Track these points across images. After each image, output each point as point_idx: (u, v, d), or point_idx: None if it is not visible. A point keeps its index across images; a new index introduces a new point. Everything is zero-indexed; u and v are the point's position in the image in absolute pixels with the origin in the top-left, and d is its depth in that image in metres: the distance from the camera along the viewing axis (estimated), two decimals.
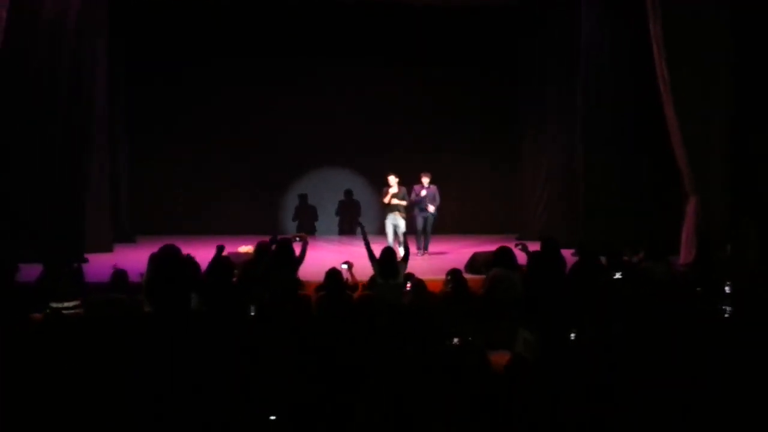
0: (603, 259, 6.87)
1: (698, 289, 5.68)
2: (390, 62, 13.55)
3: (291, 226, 13.32)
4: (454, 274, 6.33)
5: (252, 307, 5.11)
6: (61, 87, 10.05)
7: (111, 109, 11.53)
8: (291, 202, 13.63)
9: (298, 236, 7.35)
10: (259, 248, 6.82)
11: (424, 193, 10.92)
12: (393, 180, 10.69)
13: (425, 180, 11.03)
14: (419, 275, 6.88)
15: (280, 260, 6.59)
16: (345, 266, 6.69)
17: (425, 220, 10.98)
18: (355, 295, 6.28)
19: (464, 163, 14.01)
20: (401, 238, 10.21)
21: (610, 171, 11.21)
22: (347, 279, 6.52)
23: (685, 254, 9.56)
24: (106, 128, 11.27)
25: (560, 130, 12.45)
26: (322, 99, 13.56)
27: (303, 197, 13.67)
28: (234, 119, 13.46)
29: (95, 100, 10.73)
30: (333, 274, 6.05)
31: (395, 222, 10.57)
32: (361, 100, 13.69)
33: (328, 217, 13.56)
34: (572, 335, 3.88)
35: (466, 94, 13.90)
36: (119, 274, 5.97)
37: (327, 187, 13.70)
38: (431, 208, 10.86)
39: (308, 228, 13.02)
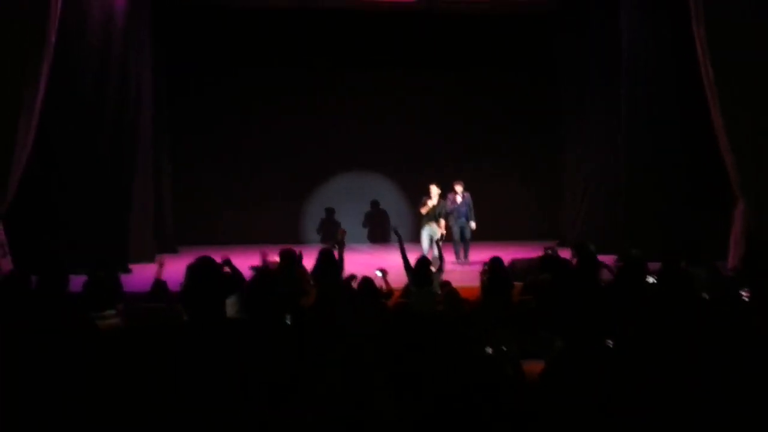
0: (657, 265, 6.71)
1: (744, 294, 5.48)
2: (425, 69, 13.54)
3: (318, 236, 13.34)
4: (492, 262, 6.31)
5: (288, 316, 5.11)
6: (109, 98, 10.33)
7: (154, 119, 11.73)
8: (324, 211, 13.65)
9: (336, 241, 7.33)
10: (285, 255, 6.79)
11: (459, 200, 10.92)
12: (435, 191, 10.58)
13: (459, 188, 11.01)
14: (458, 284, 6.82)
15: (324, 267, 6.56)
16: (380, 273, 6.67)
17: (462, 229, 10.96)
18: (390, 303, 6.25)
19: (502, 169, 13.88)
20: (436, 248, 9.80)
21: (654, 176, 10.95)
22: (381, 287, 6.48)
23: (733, 259, 9.29)
24: (150, 139, 11.49)
25: (602, 135, 12.23)
26: (358, 107, 13.61)
27: (332, 208, 13.67)
28: (273, 128, 13.58)
29: (141, 111, 10.98)
30: (367, 282, 6.02)
31: (432, 232, 10.43)
32: (396, 107, 13.67)
33: (358, 226, 13.51)
34: (609, 343, 3.78)
35: (505, 100, 13.78)
36: (159, 284, 6.05)
37: (363, 196, 13.67)
38: (473, 224, 10.96)
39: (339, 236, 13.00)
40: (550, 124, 13.69)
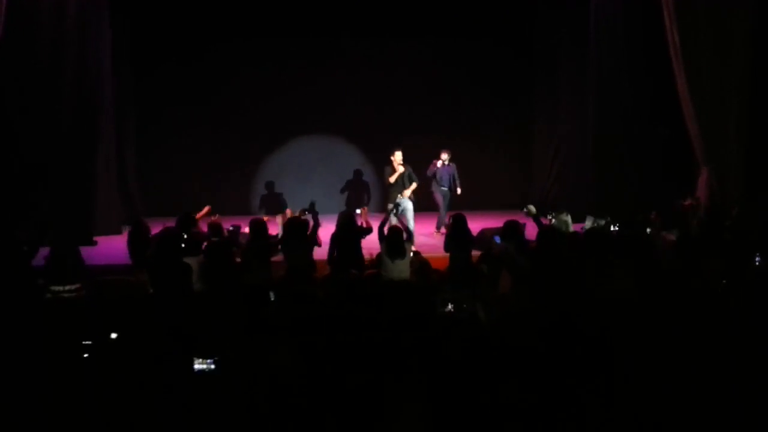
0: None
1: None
2: (398, 37, 13.34)
3: (298, 206, 13.18)
4: (453, 218, 6.43)
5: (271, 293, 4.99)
6: (67, 72, 10.13)
7: (118, 92, 11.54)
8: (298, 183, 13.50)
9: (306, 210, 7.31)
10: (256, 227, 6.73)
11: (439, 164, 10.85)
12: (399, 156, 9.83)
13: (444, 156, 10.87)
14: (432, 253, 6.86)
15: (293, 240, 6.53)
16: (357, 211, 6.85)
17: (443, 197, 10.86)
18: (364, 273, 6.26)
19: (474, 137, 13.84)
20: (409, 221, 9.64)
21: (622, 142, 11.13)
22: (361, 224, 6.82)
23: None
24: (113, 111, 11.28)
25: (572, 103, 12.29)
26: (327, 77, 13.40)
27: (308, 177, 13.55)
28: (240, 100, 13.36)
29: (101, 84, 10.76)
30: (348, 215, 6.15)
31: (403, 205, 9.84)
32: (369, 77, 13.50)
33: (335, 196, 13.41)
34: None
35: (476, 70, 13.67)
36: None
37: (335, 167, 13.56)
38: (458, 191, 10.92)
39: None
40: (521, 94, 13.67)
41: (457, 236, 6.69)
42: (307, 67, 13.38)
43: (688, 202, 8.99)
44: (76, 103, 10.25)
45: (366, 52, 13.49)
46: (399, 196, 9.80)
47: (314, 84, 13.39)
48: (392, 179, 9.78)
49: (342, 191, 12.73)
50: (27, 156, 9.74)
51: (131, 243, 6.85)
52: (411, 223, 9.51)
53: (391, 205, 8.82)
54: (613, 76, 11.22)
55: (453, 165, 11.00)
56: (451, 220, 6.88)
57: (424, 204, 11.58)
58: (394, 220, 9.87)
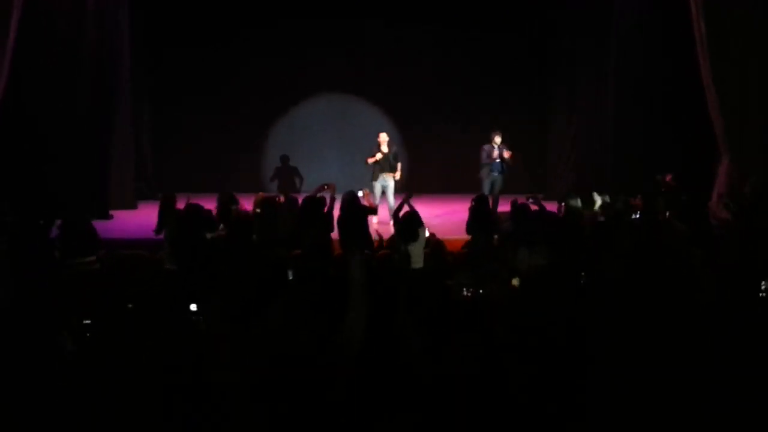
0: None
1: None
2: (415, 23, 13.22)
3: (312, 185, 13.17)
4: (476, 199, 6.55)
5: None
6: (84, 51, 10.17)
7: (135, 70, 11.57)
8: (310, 162, 13.47)
9: (325, 185, 7.27)
10: (267, 203, 6.69)
11: (496, 153, 10.04)
12: (384, 137, 10.10)
13: (497, 139, 10.10)
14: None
15: (310, 218, 6.47)
16: (360, 193, 6.82)
17: (493, 183, 10.12)
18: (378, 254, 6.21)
19: (491, 126, 13.72)
20: (390, 200, 9.90)
21: (641, 131, 11.01)
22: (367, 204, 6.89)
23: (713, 216, 9.35)
24: (129, 89, 11.32)
25: (590, 91, 12.18)
26: (346, 63, 13.34)
27: (322, 157, 13.52)
28: (256, 81, 13.30)
29: (118, 61, 10.82)
30: (351, 195, 6.12)
31: (384, 183, 9.98)
32: (385, 64, 13.40)
33: (348, 176, 13.35)
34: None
35: (493, 59, 13.51)
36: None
37: (348, 150, 13.49)
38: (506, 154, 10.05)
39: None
40: (538, 82, 13.51)
41: (479, 218, 6.61)
42: (323, 54, 13.28)
43: (668, 177, 8.89)
44: (93, 80, 10.29)
45: (382, 40, 13.37)
46: (384, 175, 9.97)
47: (330, 70, 13.33)
48: (370, 160, 10.02)
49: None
50: (44, 131, 9.79)
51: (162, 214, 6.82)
52: (391, 200, 9.84)
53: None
54: (632, 65, 11.09)
55: (504, 147, 10.12)
56: (473, 202, 6.79)
57: (437, 186, 11.53)
58: (378, 198, 9.93)
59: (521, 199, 6.90)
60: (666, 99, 10.90)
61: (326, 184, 7.25)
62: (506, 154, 10.07)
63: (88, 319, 3.70)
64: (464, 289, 4.33)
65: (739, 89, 9.39)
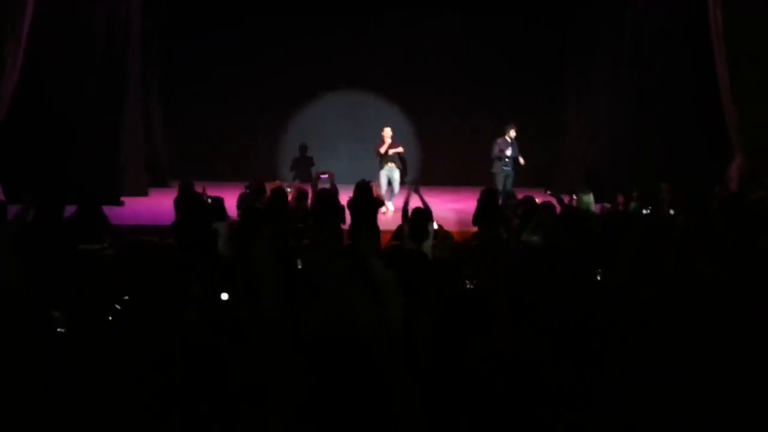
0: None
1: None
2: (431, 13, 13.22)
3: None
4: (483, 193, 6.54)
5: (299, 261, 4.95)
6: (98, 36, 10.27)
7: (146, 57, 11.64)
8: (321, 154, 13.47)
9: (323, 173, 7.29)
10: (277, 194, 6.70)
11: (509, 152, 9.99)
12: (388, 132, 10.54)
13: (512, 133, 10.08)
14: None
15: (323, 210, 6.46)
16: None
17: (506, 178, 10.03)
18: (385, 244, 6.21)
19: (505, 118, 13.65)
20: (395, 190, 10.28)
21: (658, 126, 10.95)
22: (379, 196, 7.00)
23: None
24: (140, 76, 11.39)
25: (607, 85, 12.08)
26: (358, 52, 13.31)
27: (335, 146, 13.52)
28: (269, 67, 13.31)
29: (130, 48, 10.87)
30: (363, 186, 6.13)
31: (390, 173, 10.43)
32: (400, 53, 13.38)
33: (359, 166, 13.36)
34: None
35: (510, 50, 13.46)
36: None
37: (360, 140, 13.47)
38: (521, 160, 10.14)
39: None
40: (554, 75, 13.41)
41: (486, 211, 6.61)
42: (335, 45, 13.28)
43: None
44: (104, 67, 10.37)
45: (396, 31, 13.35)
46: (391, 165, 10.42)
47: (345, 57, 13.30)
48: (382, 150, 10.45)
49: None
50: (56, 116, 9.86)
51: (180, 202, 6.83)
52: (396, 190, 10.37)
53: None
54: (650, 60, 11.02)
55: (516, 142, 10.13)
56: (481, 195, 6.78)
57: (449, 179, 11.51)
58: (384, 187, 10.22)
59: (538, 197, 6.89)
60: (682, 95, 10.81)
61: (325, 172, 7.27)
62: (521, 161, 10.16)
63: (97, 304, 3.72)
64: (467, 281, 4.32)
65: (754, 82, 9.32)
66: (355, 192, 6.90)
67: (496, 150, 10.02)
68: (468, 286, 4.50)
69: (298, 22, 13.18)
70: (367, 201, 6.83)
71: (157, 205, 9.76)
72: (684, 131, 10.77)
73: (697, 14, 9.84)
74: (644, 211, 7.10)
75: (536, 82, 13.56)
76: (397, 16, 13.23)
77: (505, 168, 10.01)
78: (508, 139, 10.05)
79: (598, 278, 4.23)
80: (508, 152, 9.97)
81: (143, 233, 6.49)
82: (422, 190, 6.90)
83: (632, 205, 8.29)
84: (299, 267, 4.40)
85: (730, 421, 3.07)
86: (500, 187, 9.84)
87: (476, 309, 3.67)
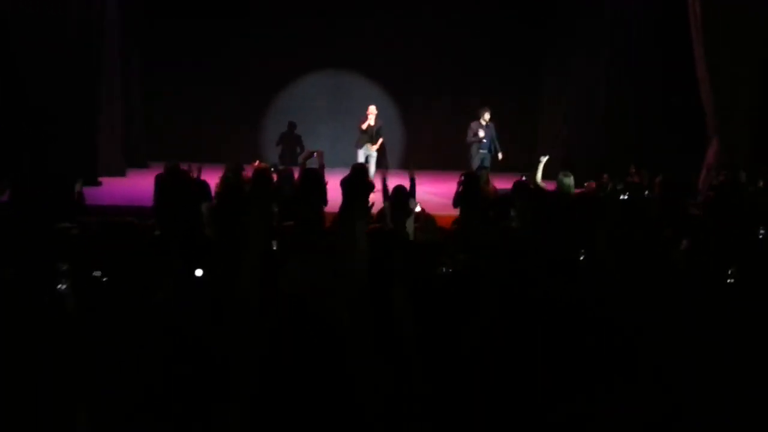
0: None
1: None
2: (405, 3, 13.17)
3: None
4: (466, 175, 6.38)
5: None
6: (72, 14, 10.09)
7: (125, 38, 11.55)
8: (304, 132, 13.41)
9: (313, 152, 7.23)
10: (261, 174, 6.65)
11: (482, 134, 9.92)
12: (372, 110, 10.69)
13: (486, 116, 10.00)
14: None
15: (307, 190, 6.40)
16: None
17: (482, 160, 9.93)
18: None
19: (483, 100, 13.64)
20: (372, 169, 10.23)
21: (632, 111, 11.04)
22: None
23: (703, 193, 9.42)
24: (119, 56, 11.29)
25: (583, 69, 12.16)
26: (338, 37, 13.25)
27: (315, 129, 13.47)
28: (248, 48, 13.23)
29: (107, 29, 10.78)
30: (362, 167, 6.10)
31: (367, 152, 10.58)
32: (378, 39, 13.32)
33: (342, 149, 13.32)
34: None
35: (489, 31, 13.48)
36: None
37: (342, 123, 13.43)
38: (500, 155, 10.15)
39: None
40: (531, 58, 13.48)
41: (466, 194, 6.60)
42: (317, 26, 13.20)
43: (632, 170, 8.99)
44: (81, 46, 10.22)
45: (379, 5, 13.26)
46: (368, 145, 10.57)
47: (324, 44, 13.24)
48: (363, 126, 10.60)
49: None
50: (32, 97, 9.77)
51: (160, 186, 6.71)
52: (373, 170, 10.31)
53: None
54: (626, 44, 11.11)
55: (492, 124, 10.08)
56: (462, 178, 6.76)
57: (431, 162, 11.50)
58: (373, 168, 10.24)
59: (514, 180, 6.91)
60: (658, 79, 10.92)
61: (314, 151, 7.20)
62: (500, 156, 10.15)
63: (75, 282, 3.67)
64: (449, 264, 4.33)
65: (730, 71, 9.43)
66: (351, 175, 6.85)
67: (470, 134, 10.03)
68: (447, 270, 4.51)
69: (282, 4, 13.04)
70: (362, 185, 6.80)
71: (135, 186, 9.68)
72: (660, 117, 10.87)
73: (677, 3, 9.89)
74: (622, 197, 7.14)
75: (516, 66, 13.59)
76: (379, 5, 13.14)
77: (481, 151, 9.98)
78: (483, 122, 10.02)
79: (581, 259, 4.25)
80: (481, 134, 9.95)
81: (120, 213, 6.45)
82: (402, 173, 6.88)
83: (607, 186, 8.34)
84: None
85: (710, 402, 3.14)
86: (475, 167, 9.79)
87: (461, 292, 3.69)
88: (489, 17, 13.38)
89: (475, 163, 9.94)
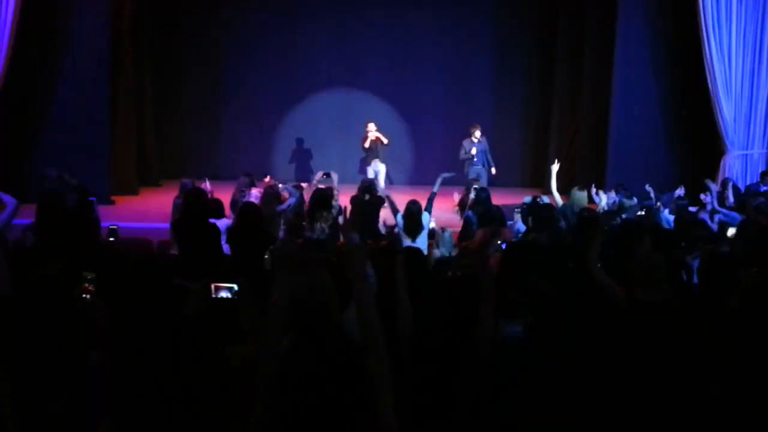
0: None
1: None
2: (421, 9, 13.22)
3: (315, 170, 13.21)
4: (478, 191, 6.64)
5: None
6: (83, 32, 10.13)
7: (137, 55, 11.58)
8: (314, 148, 13.49)
9: (325, 173, 7.32)
10: (270, 196, 6.72)
11: (474, 151, 10.20)
12: (372, 127, 10.89)
13: (477, 133, 10.30)
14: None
15: (320, 210, 6.43)
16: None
17: (477, 174, 10.09)
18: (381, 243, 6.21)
19: (493, 115, 13.73)
20: (381, 185, 10.06)
21: (643, 126, 11.00)
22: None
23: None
24: (131, 74, 11.33)
25: (594, 84, 12.13)
26: (347, 47, 13.31)
27: (325, 143, 13.54)
28: (259, 64, 13.29)
29: (119, 46, 10.84)
30: (370, 182, 6.12)
31: (376, 168, 10.73)
32: (386, 47, 13.39)
33: (349, 164, 13.37)
34: None
35: (498, 49, 13.52)
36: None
37: (352, 138, 13.48)
38: (493, 170, 10.48)
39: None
40: (542, 74, 13.44)
41: (486, 211, 6.60)
42: (329, 36, 13.27)
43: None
44: (94, 65, 10.27)
45: (387, 22, 13.34)
46: (377, 161, 10.84)
47: (334, 52, 13.30)
48: (366, 144, 10.94)
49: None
50: (45, 116, 9.88)
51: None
52: (381, 186, 10.13)
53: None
54: (637, 59, 11.06)
55: (484, 139, 10.44)
56: (475, 194, 6.80)
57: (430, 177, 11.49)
58: (382, 184, 10.18)
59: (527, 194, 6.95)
60: (670, 94, 10.86)
61: (326, 173, 7.26)
62: (493, 171, 10.50)
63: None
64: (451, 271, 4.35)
65: (742, 86, 9.41)
66: (360, 189, 6.98)
67: (462, 152, 10.34)
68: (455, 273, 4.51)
69: (294, 23, 13.15)
70: (370, 200, 6.90)
71: (148, 204, 9.76)
72: (671, 132, 10.82)
73: (685, 12, 9.88)
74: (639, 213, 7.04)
75: (525, 83, 13.61)
76: (390, 11, 13.21)
77: (474, 167, 10.22)
78: (474, 140, 10.30)
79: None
80: (473, 151, 10.20)
81: (132, 232, 6.49)
82: (412, 189, 6.93)
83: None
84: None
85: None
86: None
87: (461, 297, 3.69)
88: (499, 30, 13.41)
89: (470, 177, 10.19)
